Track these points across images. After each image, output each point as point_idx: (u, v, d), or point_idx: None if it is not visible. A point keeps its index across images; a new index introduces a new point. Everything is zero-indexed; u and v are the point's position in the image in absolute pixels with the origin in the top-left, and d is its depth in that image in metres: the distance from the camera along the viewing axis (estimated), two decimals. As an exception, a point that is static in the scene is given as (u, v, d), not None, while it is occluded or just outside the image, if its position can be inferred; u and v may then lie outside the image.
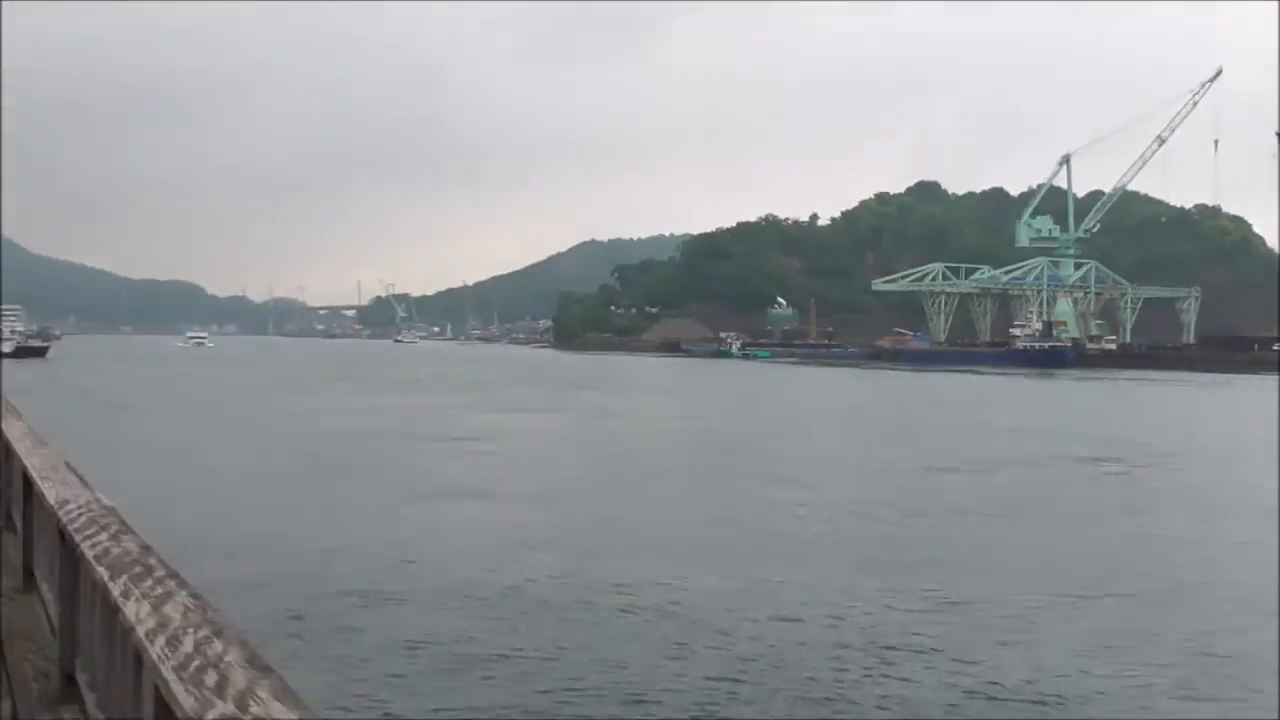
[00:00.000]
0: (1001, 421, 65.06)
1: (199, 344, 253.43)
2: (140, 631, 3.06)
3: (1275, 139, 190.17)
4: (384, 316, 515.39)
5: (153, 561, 3.97)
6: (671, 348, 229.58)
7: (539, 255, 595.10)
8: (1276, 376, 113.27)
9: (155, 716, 2.91)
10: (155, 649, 2.83)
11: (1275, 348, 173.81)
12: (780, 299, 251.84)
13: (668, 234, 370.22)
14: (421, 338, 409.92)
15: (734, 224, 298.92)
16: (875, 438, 56.24)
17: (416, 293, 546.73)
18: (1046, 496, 34.86)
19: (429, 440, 48.14)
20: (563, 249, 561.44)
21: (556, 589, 20.37)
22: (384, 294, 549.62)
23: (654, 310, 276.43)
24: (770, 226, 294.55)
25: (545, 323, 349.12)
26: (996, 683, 15.40)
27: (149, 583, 3.62)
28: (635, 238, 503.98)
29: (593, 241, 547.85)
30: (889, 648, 16.98)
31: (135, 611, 3.27)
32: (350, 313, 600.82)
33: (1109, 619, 19.39)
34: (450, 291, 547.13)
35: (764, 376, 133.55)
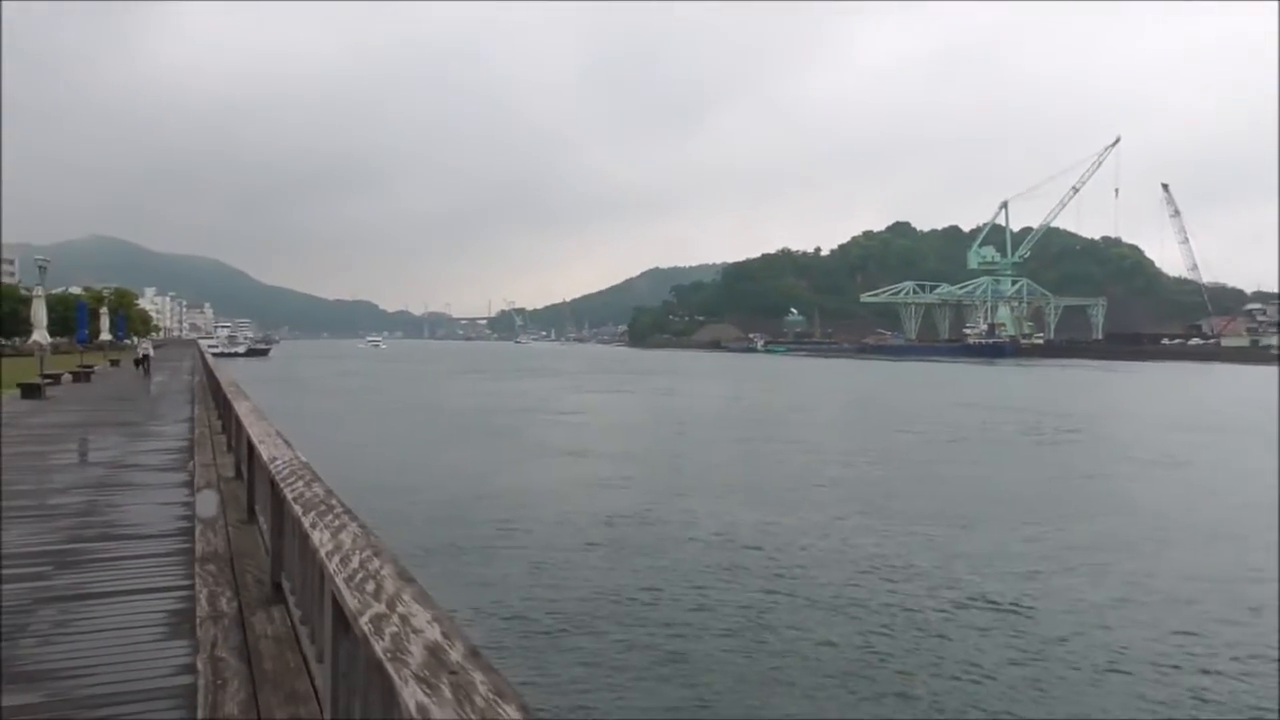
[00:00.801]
0: (959, 397, 64.15)
1: (375, 345, 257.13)
2: (322, 553, 3.09)
3: (1161, 187, 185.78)
4: (506, 324, 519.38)
5: (334, 502, 3.97)
6: (714, 345, 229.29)
7: (617, 278, 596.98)
8: (1162, 363, 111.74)
9: (333, 614, 2.94)
10: (332, 565, 2.87)
11: (1162, 342, 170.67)
12: (793, 309, 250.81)
13: (712, 262, 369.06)
14: (534, 340, 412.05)
15: (759, 255, 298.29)
16: (869, 409, 55.61)
17: (529, 307, 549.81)
18: (992, 445, 34.35)
19: (539, 413, 48.21)
20: (634, 274, 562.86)
21: (638, 522, 20.22)
22: (506, 308, 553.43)
23: (701, 318, 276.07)
24: (785, 256, 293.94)
25: (622, 328, 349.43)
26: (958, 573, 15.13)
27: (330, 517, 3.62)
28: (688, 265, 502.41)
29: (656, 269, 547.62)
30: (882, 558, 16.77)
31: (319, 538, 3.30)
32: (483, 322, 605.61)
33: (1045, 525, 18.98)
34: (553, 306, 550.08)
35: (782, 366, 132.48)
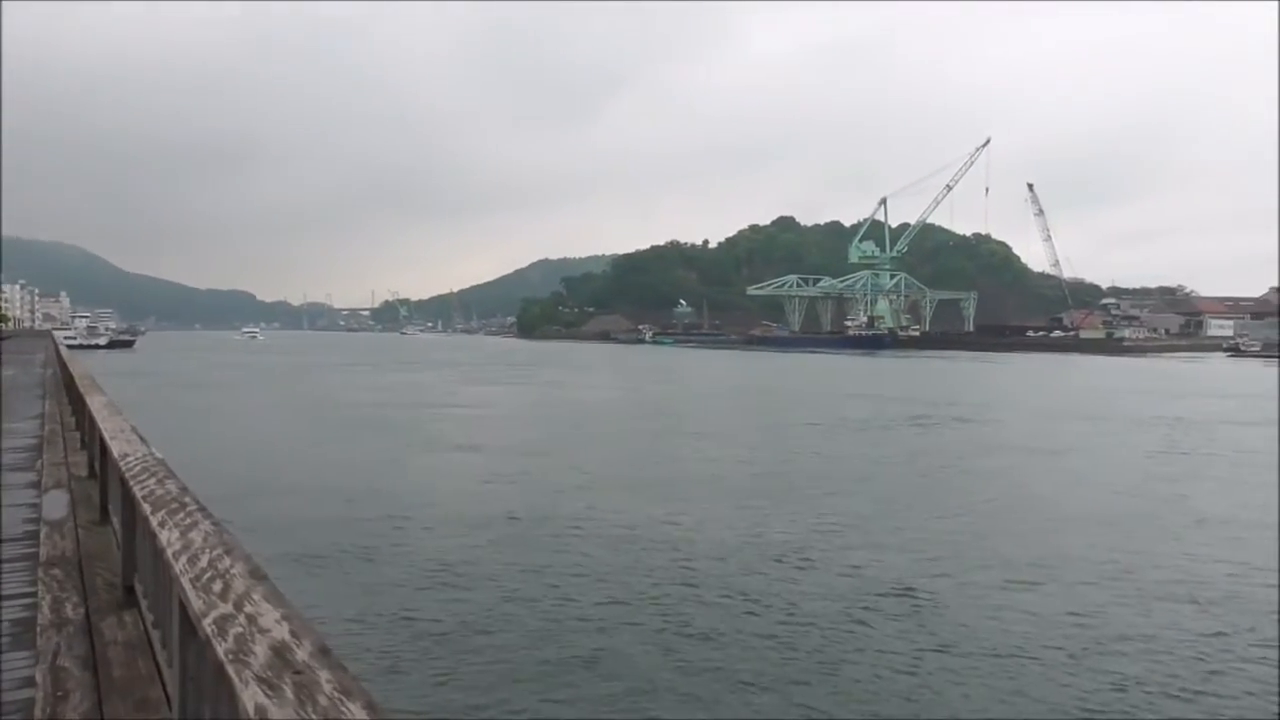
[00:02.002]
0: (848, 387, 65.91)
1: (252, 337, 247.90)
2: (169, 552, 2.99)
3: (1027, 187, 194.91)
4: (391, 315, 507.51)
5: (187, 500, 3.83)
6: (604, 337, 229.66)
7: (506, 269, 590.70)
8: (1027, 354, 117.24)
9: (179, 616, 2.82)
10: (179, 565, 2.78)
11: (1027, 334, 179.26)
12: (682, 300, 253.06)
13: (602, 253, 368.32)
14: (420, 331, 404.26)
15: (649, 246, 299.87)
16: (762, 399, 56.59)
17: (415, 297, 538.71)
18: (887, 435, 35.42)
19: (429, 407, 47.30)
20: (524, 264, 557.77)
21: (536, 518, 19.95)
22: (390, 298, 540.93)
23: (591, 310, 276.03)
24: (674, 249, 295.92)
25: (511, 319, 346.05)
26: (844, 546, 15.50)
27: (181, 515, 3.49)
28: (578, 256, 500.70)
29: (546, 259, 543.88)
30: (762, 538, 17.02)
31: (167, 538, 3.20)
32: (365, 313, 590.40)
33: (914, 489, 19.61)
34: (440, 296, 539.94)
35: (672, 357, 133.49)
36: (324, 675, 1.78)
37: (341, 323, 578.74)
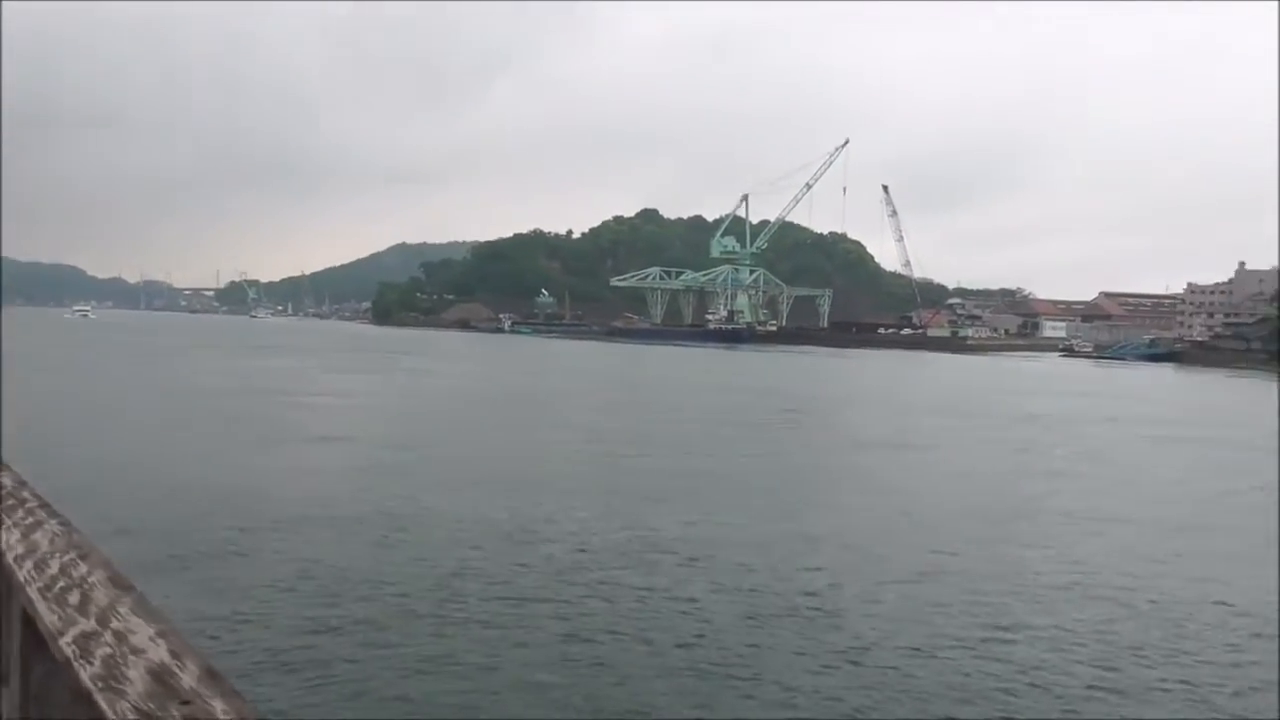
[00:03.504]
0: (711, 380, 66.57)
1: (84, 315, 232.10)
2: (10, 557, 2.56)
3: (882, 189, 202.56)
4: (238, 296, 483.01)
5: (25, 494, 3.22)
6: (463, 325, 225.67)
7: (362, 253, 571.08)
8: (879, 350, 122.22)
9: (22, 635, 2.40)
10: (23, 572, 2.39)
11: (879, 331, 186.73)
12: (544, 290, 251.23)
13: (463, 240, 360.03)
14: (270, 314, 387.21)
15: (511, 234, 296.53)
16: (623, 390, 56.37)
17: (264, 279, 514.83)
18: (753, 429, 35.64)
19: (284, 395, 44.91)
20: (381, 248, 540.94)
21: (401, 511, 19.12)
22: (237, 279, 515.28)
23: (451, 297, 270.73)
24: (538, 237, 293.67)
25: (366, 305, 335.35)
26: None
27: (20, 513, 3.11)
28: (438, 242, 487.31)
29: (405, 244, 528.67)
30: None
31: (6, 540, 2.72)
32: (210, 293, 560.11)
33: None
34: (291, 279, 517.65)
35: (533, 347, 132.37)
36: (218, 705, 1.55)
37: (183, 303, 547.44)
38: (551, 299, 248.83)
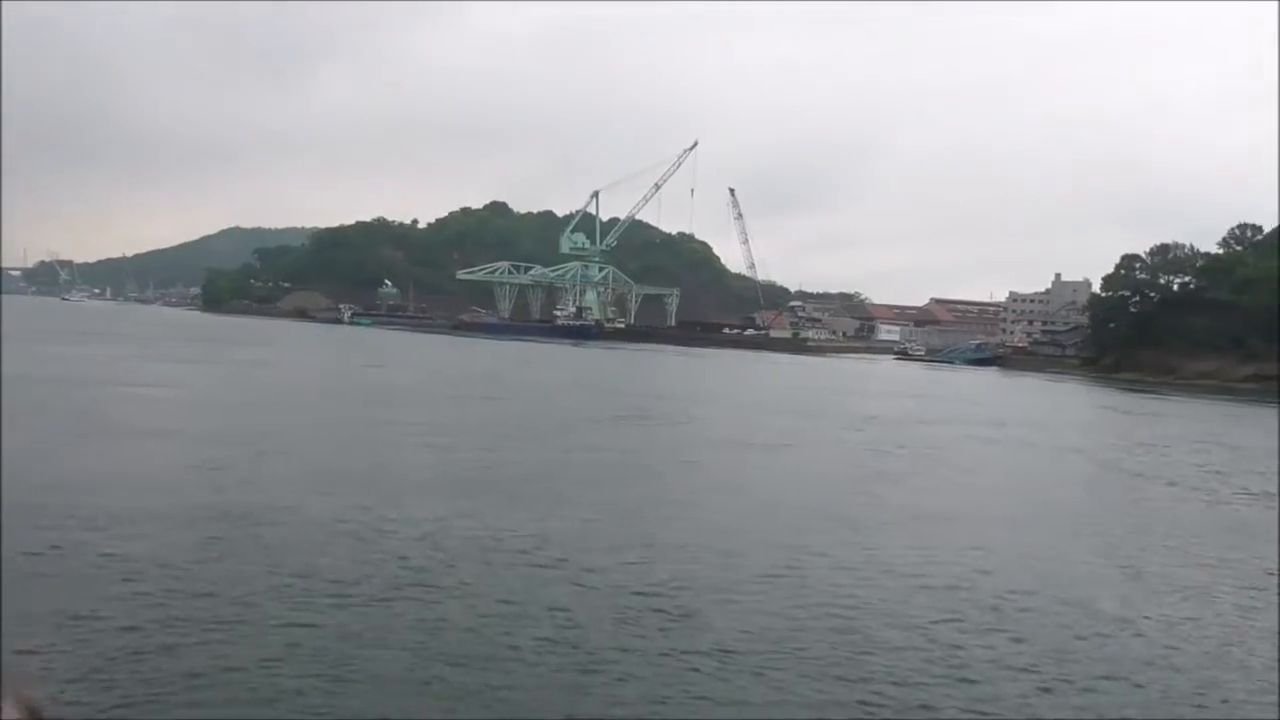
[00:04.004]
0: (558, 377, 66.13)
1: None
2: None
3: (729, 191, 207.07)
4: (48, 278, 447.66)
5: None
6: (300, 315, 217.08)
7: (191, 235, 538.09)
8: (725, 350, 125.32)
9: None
10: None
11: (724, 331, 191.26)
12: (388, 281, 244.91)
13: (302, 226, 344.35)
14: (86, 298, 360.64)
15: (353, 222, 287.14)
16: (472, 385, 55.07)
17: (79, 260, 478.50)
18: (595, 419, 35.42)
19: (106, 385, 41.53)
20: (212, 231, 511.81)
21: (230, 510, 17.89)
22: (48, 259, 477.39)
23: (287, 285, 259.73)
24: (381, 226, 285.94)
25: (195, 290, 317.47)
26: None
27: None
28: (274, 227, 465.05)
29: (237, 228, 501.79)
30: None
31: None
32: (16, 273, 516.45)
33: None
34: (110, 260, 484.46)
35: (376, 339, 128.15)
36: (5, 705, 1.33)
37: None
38: (395, 290, 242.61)
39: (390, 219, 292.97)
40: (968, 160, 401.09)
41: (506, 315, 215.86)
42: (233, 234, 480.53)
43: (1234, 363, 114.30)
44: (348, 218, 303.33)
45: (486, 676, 10.76)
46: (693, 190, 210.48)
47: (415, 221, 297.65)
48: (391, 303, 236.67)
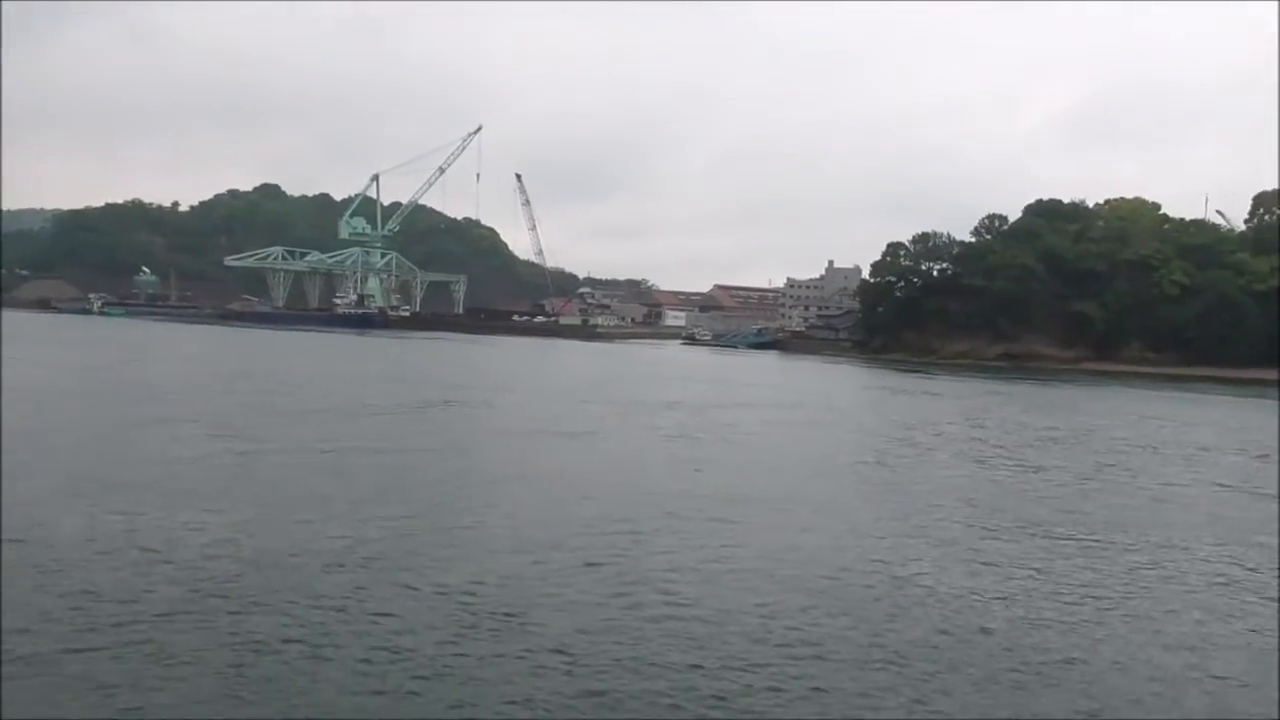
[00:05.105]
0: (343, 368, 63.57)
1: None
2: None
3: (515, 177, 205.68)
4: None
5: None
6: (43, 305, 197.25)
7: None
8: (514, 337, 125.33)
9: None
10: None
11: (513, 318, 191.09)
12: (145, 268, 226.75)
13: (42, 208, 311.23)
14: None
15: (103, 204, 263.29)
16: (246, 379, 51.66)
17: None
18: (388, 411, 34.11)
19: None
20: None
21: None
22: None
23: (26, 273, 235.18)
24: (137, 208, 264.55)
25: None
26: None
27: None
28: (9, 209, 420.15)
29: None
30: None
31: None
32: None
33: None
34: None
35: (130, 331, 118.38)
36: None
37: None
38: (154, 277, 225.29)
39: (147, 201, 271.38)
40: (751, 154, 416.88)
41: (281, 304, 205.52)
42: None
43: (985, 343, 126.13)
44: (97, 199, 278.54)
45: (316, 692, 10.02)
46: (478, 175, 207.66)
47: (175, 204, 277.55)
48: (151, 291, 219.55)
